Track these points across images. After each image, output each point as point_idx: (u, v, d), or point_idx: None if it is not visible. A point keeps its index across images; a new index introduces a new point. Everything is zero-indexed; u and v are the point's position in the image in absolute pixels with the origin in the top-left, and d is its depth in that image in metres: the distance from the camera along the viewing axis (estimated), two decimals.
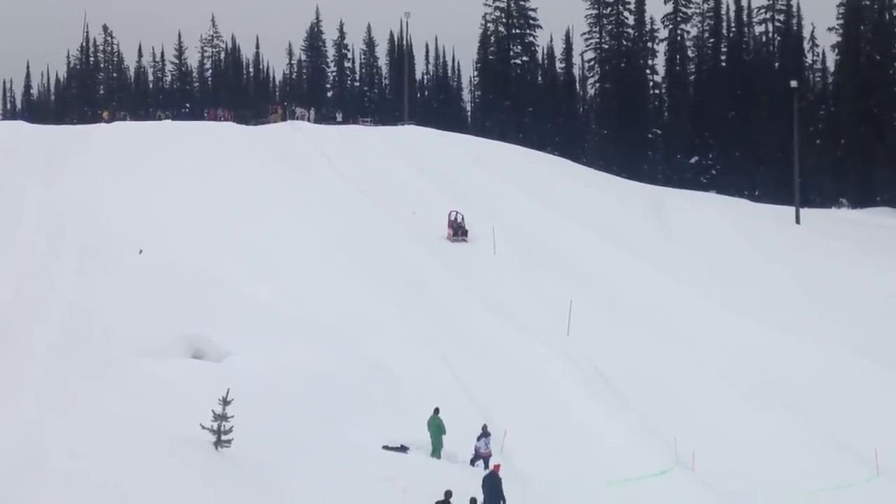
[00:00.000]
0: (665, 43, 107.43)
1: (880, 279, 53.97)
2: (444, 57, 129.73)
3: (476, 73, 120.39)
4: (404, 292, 47.73)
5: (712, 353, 43.29)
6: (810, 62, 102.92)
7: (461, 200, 63.05)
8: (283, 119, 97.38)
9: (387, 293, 47.17)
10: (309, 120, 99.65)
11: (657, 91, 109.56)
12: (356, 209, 59.78)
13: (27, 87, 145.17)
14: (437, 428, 30.34)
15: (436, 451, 30.27)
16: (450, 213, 58.61)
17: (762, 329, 45.99)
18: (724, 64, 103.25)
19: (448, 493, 23.56)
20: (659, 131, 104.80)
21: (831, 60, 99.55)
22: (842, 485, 31.66)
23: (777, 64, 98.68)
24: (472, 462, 30.49)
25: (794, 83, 70.71)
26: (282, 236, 53.09)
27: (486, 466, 29.90)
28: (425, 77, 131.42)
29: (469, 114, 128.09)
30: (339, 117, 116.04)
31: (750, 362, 42.31)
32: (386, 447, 29.92)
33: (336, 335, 40.24)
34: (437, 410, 30.70)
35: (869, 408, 38.16)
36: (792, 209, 68.85)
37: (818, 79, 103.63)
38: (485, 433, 30.60)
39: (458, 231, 57.99)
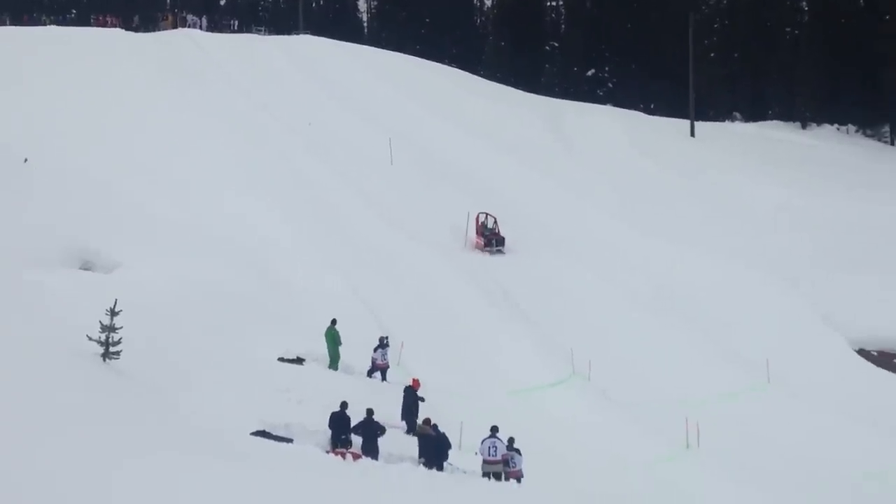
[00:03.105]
0: None
1: (772, 191, 54.81)
2: None
3: None
4: (304, 209, 46.87)
5: (612, 267, 43.64)
6: None
7: (356, 110, 62.20)
8: (175, 27, 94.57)
9: (287, 209, 46.28)
10: (201, 28, 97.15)
11: (554, 3, 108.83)
12: (254, 122, 58.08)
13: None
14: (332, 339, 29.96)
15: (333, 362, 29.94)
16: (478, 216, 47.18)
17: (661, 243, 46.46)
18: None
19: (343, 405, 23.22)
20: (556, 44, 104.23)
21: None
22: (733, 392, 32.39)
23: None
24: (370, 374, 30.27)
25: None
26: (178, 150, 51.45)
27: (384, 378, 29.78)
28: None
29: (365, 24, 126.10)
30: (234, 26, 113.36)
31: (648, 276, 42.76)
32: (282, 359, 29.52)
33: (234, 249, 39.58)
34: (333, 322, 30.30)
35: (762, 318, 38.96)
36: (687, 122, 69.34)
37: None
38: (382, 345, 30.35)
39: (491, 241, 45.66)
